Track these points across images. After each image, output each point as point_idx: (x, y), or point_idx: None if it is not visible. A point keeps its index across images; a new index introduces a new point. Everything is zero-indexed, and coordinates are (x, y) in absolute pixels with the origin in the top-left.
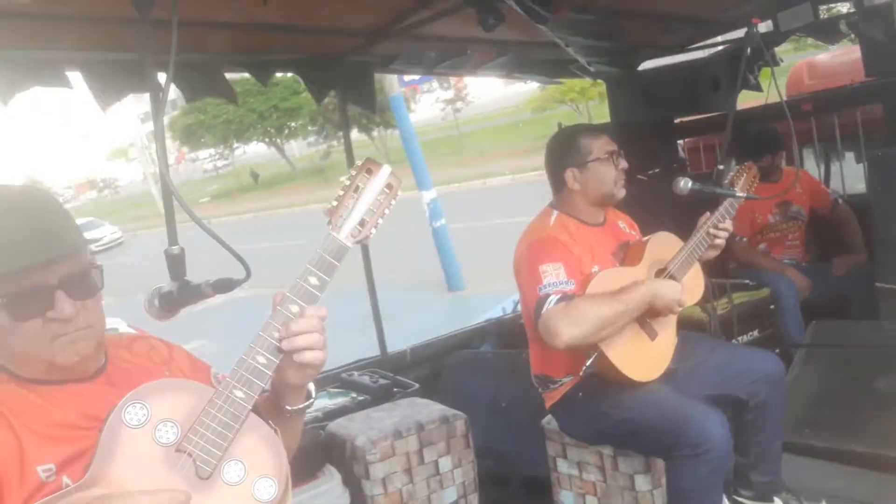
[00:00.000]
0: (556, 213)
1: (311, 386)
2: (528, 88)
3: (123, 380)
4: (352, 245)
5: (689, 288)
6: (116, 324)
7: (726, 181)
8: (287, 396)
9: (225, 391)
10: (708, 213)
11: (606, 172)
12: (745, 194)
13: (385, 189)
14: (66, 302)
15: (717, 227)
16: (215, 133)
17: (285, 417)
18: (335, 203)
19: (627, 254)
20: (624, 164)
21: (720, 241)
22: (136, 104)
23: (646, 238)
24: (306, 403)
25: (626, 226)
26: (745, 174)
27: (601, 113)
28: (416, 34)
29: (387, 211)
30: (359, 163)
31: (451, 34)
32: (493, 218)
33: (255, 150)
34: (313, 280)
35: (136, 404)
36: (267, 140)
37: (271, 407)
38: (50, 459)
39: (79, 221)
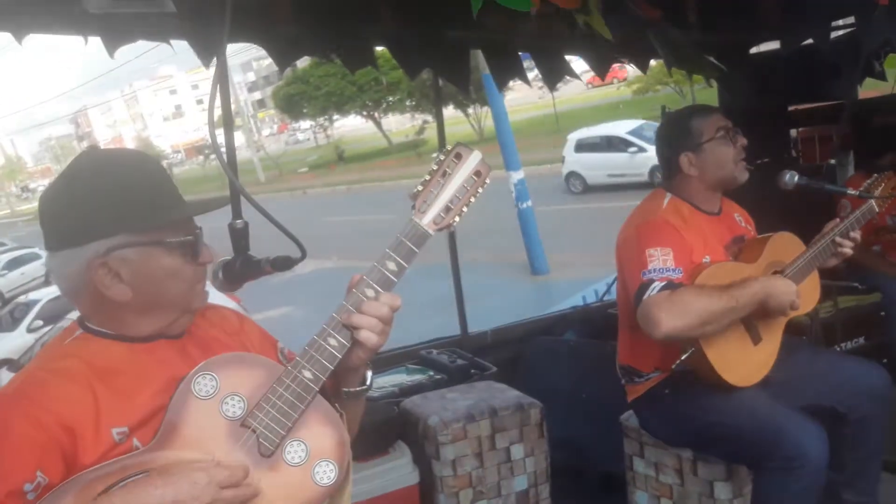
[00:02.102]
0: (669, 195)
1: (369, 373)
2: (629, 69)
3: (198, 346)
4: (434, 233)
5: (804, 295)
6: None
7: (863, 187)
8: (345, 378)
9: (294, 370)
10: (837, 220)
11: (724, 152)
12: (856, 192)
13: (473, 176)
14: (206, 249)
15: (847, 235)
16: (316, 104)
17: (342, 399)
18: (420, 188)
19: (744, 249)
20: (743, 140)
21: (846, 251)
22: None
23: (766, 235)
24: (361, 388)
25: (741, 219)
26: (884, 183)
27: (706, 96)
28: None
29: (473, 199)
30: (448, 147)
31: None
32: (584, 202)
33: (352, 123)
34: (391, 265)
35: (207, 375)
36: (365, 113)
37: (330, 387)
38: (124, 422)
39: None
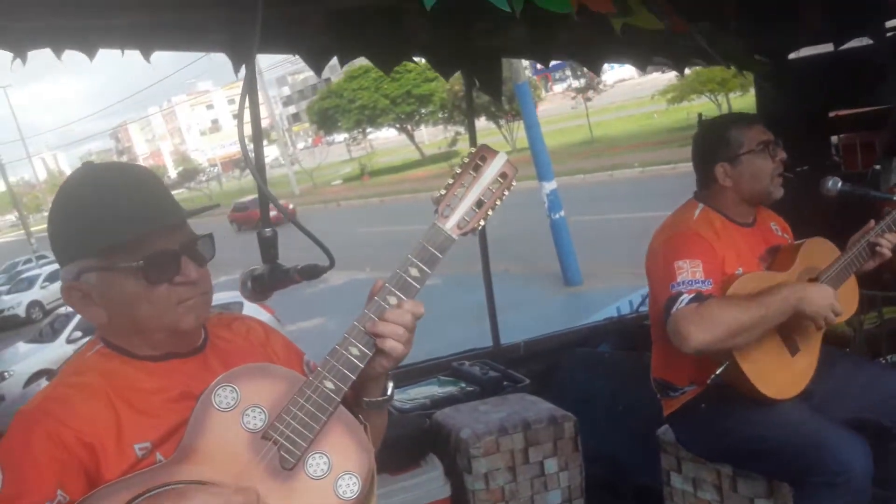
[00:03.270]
0: (701, 206)
1: (390, 383)
2: (663, 78)
3: (220, 359)
4: (458, 237)
5: (842, 302)
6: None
7: None
8: (365, 387)
9: (315, 381)
10: (872, 222)
11: (762, 166)
12: None
13: (499, 178)
14: (190, 266)
15: (884, 236)
16: (350, 117)
17: (363, 410)
18: (443, 192)
19: (777, 258)
20: (782, 154)
21: (884, 251)
22: (278, 88)
23: (799, 242)
24: (383, 398)
25: (778, 228)
26: None
27: (742, 105)
28: (548, 18)
29: (499, 202)
30: (472, 149)
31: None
32: (617, 212)
33: (385, 136)
34: (414, 271)
35: (227, 387)
36: (398, 125)
37: (350, 398)
38: (147, 437)
39: None
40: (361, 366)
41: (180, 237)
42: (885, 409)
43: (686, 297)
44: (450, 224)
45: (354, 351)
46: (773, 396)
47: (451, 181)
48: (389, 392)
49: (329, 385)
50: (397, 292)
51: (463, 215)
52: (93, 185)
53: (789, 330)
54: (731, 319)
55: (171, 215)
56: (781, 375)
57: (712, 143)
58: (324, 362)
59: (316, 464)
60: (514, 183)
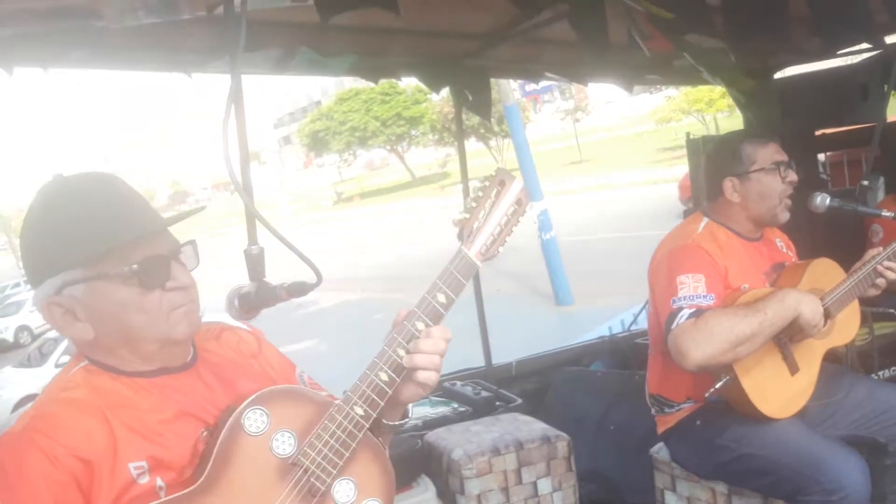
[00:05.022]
0: (706, 219)
1: (410, 407)
2: (651, 99)
3: (213, 373)
4: (481, 264)
5: (843, 326)
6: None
7: None
8: (389, 411)
9: (346, 406)
10: (880, 248)
11: (771, 185)
12: (892, 214)
13: (515, 204)
14: (181, 270)
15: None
16: (341, 139)
17: (381, 432)
18: (467, 215)
19: (782, 275)
20: (793, 176)
21: (892, 276)
22: (269, 111)
23: (805, 261)
24: (403, 420)
25: (783, 245)
26: None
27: (729, 124)
28: (534, 37)
29: (514, 228)
30: (492, 173)
31: (570, 38)
32: (607, 232)
33: (376, 157)
34: (441, 297)
35: (257, 410)
36: (388, 147)
37: None
38: (141, 457)
39: None
40: (390, 392)
41: (166, 244)
42: (879, 425)
43: (686, 312)
44: (474, 250)
45: (384, 377)
46: (771, 415)
47: (473, 205)
48: (410, 415)
49: (359, 411)
50: (426, 318)
51: (485, 241)
52: (71, 196)
53: (790, 349)
54: (727, 329)
55: (154, 222)
56: (781, 394)
57: (724, 156)
58: (354, 387)
59: (343, 489)
60: (528, 209)
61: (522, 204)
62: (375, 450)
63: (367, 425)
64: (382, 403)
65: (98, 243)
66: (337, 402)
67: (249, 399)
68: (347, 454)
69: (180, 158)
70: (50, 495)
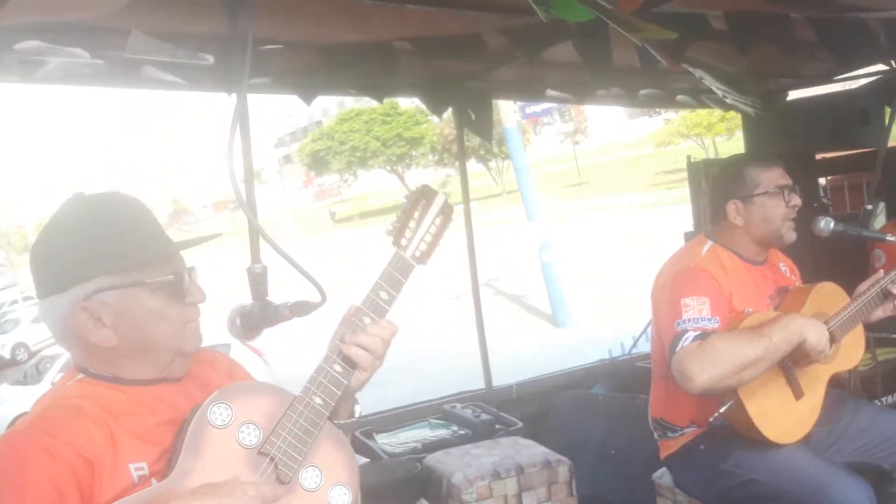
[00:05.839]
0: (709, 243)
1: (358, 406)
2: (650, 122)
3: (199, 387)
4: (416, 264)
5: (848, 351)
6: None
7: None
8: (336, 410)
9: (305, 397)
10: (882, 272)
11: (774, 208)
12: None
13: (440, 215)
14: (198, 288)
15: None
16: (341, 159)
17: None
18: (398, 225)
19: (786, 299)
20: (797, 200)
21: (890, 307)
22: (270, 130)
23: (808, 285)
24: (351, 420)
25: (787, 269)
26: None
27: (728, 148)
28: (537, 59)
29: (444, 234)
30: (417, 189)
31: (573, 59)
32: (607, 254)
33: (376, 177)
34: (383, 294)
35: (221, 404)
36: (388, 168)
37: None
38: (143, 458)
39: None
40: (345, 382)
41: (183, 262)
42: (883, 452)
43: (691, 335)
44: (409, 253)
45: (338, 368)
46: (775, 440)
47: (402, 216)
48: (357, 415)
49: (318, 400)
50: (371, 313)
51: (417, 246)
52: (104, 209)
53: (794, 373)
54: (732, 352)
55: (175, 242)
56: (785, 419)
57: (728, 178)
58: (311, 379)
59: (309, 476)
60: (452, 219)
61: (447, 214)
62: (338, 439)
63: (327, 414)
64: (339, 392)
65: (140, 253)
66: (297, 394)
67: (212, 395)
68: (311, 441)
69: (180, 175)
70: (54, 490)
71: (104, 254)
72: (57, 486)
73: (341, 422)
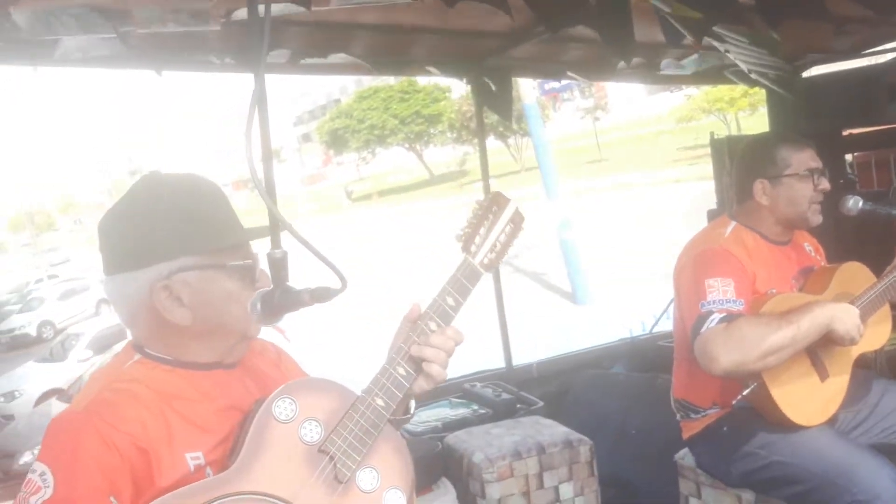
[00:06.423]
0: (733, 223)
1: (413, 401)
2: (671, 98)
3: (251, 376)
4: (484, 272)
5: (874, 331)
6: None
7: None
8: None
9: (367, 398)
10: None
11: (802, 191)
12: None
13: (511, 223)
14: (266, 274)
15: None
16: (360, 137)
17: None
18: (468, 230)
19: (810, 279)
20: (825, 184)
21: None
22: (290, 107)
23: (833, 265)
24: (406, 416)
25: (811, 249)
26: None
27: (751, 124)
28: (557, 36)
29: (513, 242)
30: (489, 196)
31: (593, 36)
32: (627, 231)
33: (394, 155)
34: (450, 300)
35: (286, 399)
36: (407, 145)
37: None
38: (198, 447)
39: None
40: (408, 385)
41: (252, 249)
42: None
43: (717, 317)
44: (478, 260)
45: (401, 371)
46: (800, 422)
47: (474, 221)
48: (413, 411)
49: (380, 402)
50: (437, 318)
51: (486, 253)
52: (185, 189)
53: (820, 354)
54: (759, 338)
55: (245, 230)
56: (810, 401)
57: (757, 157)
58: (375, 380)
59: (366, 477)
60: (524, 227)
61: (518, 223)
62: (396, 442)
63: (388, 416)
64: (401, 395)
65: (225, 236)
66: (359, 394)
67: (279, 389)
68: (371, 443)
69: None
70: (106, 483)
71: (192, 233)
72: (107, 475)
73: (396, 418)
